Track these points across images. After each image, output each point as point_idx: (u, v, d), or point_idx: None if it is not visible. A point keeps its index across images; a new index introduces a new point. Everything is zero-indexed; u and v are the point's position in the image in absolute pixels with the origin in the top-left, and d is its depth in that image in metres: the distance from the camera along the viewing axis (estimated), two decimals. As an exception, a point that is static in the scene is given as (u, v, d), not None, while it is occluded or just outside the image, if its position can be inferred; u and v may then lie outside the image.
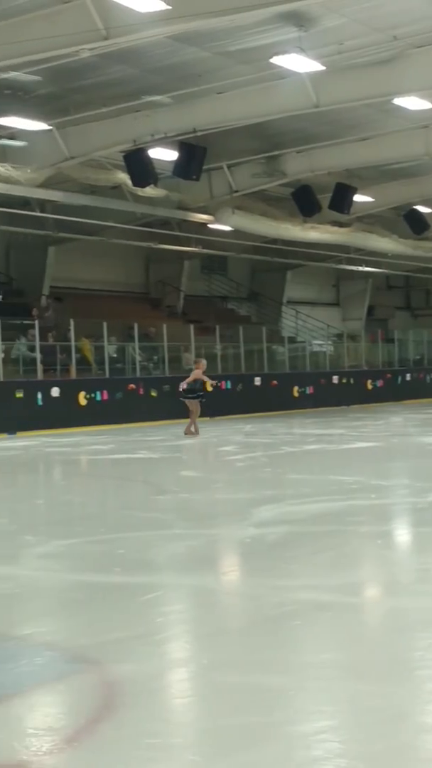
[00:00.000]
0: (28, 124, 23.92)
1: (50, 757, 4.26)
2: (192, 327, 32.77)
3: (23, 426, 25.17)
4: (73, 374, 28.53)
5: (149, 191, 27.85)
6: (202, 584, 7.58)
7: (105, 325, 29.44)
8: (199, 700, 5.13)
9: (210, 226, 33.12)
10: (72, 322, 28.42)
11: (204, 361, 24.60)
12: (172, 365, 31.62)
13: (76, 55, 18.34)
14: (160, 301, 38.67)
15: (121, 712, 4.80)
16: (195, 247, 35.89)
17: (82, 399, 27.50)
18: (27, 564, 8.59)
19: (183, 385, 23.43)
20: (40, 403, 26.31)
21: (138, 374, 30.30)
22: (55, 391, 26.77)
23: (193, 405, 23.49)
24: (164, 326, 31.63)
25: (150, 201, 29.75)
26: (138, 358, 30.64)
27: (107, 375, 29.35)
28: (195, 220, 32.59)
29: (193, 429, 23.31)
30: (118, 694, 5.06)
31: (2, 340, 26.57)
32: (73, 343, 28.50)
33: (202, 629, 6.40)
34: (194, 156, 25.28)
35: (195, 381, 23.45)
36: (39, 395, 26.36)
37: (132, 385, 29.34)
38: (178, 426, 24.36)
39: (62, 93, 22.65)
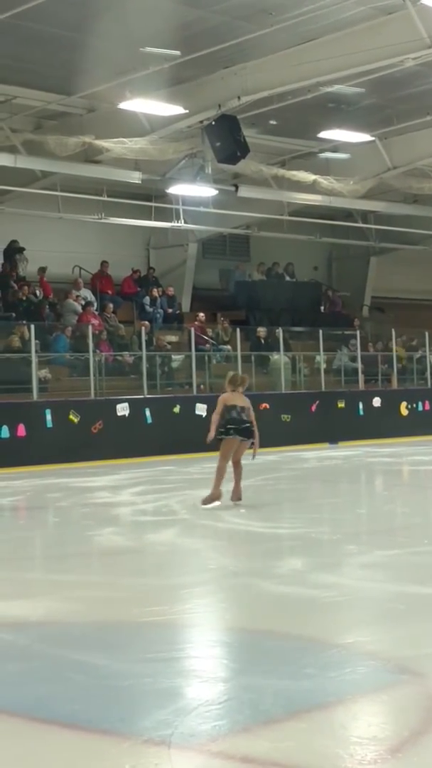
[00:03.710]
0: (352, 136, 24.11)
1: (375, 767, 4.26)
2: None
3: (345, 436, 25.31)
4: (395, 384, 28.45)
5: (473, 198, 27.39)
6: None
7: (427, 334, 29.18)
8: None
9: None
10: (393, 332, 28.36)
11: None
12: None
13: (400, 64, 18.34)
14: None
15: (447, 727, 4.74)
16: None
17: (404, 409, 27.36)
18: (350, 573, 8.63)
19: (239, 414, 12.92)
20: (361, 413, 26.40)
21: (461, 384, 29.82)
22: (376, 401, 26.79)
23: (241, 447, 13.03)
24: None
25: (474, 208, 29.25)
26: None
27: (429, 385, 29.06)
28: None
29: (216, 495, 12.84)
30: (442, 708, 5.00)
31: (324, 351, 26.87)
32: (394, 353, 28.44)
33: None
34: None
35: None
36: (360, 405, 26.45)
37: (454, 396, 28.89)
38: None
39: (385, 103, 22.67)
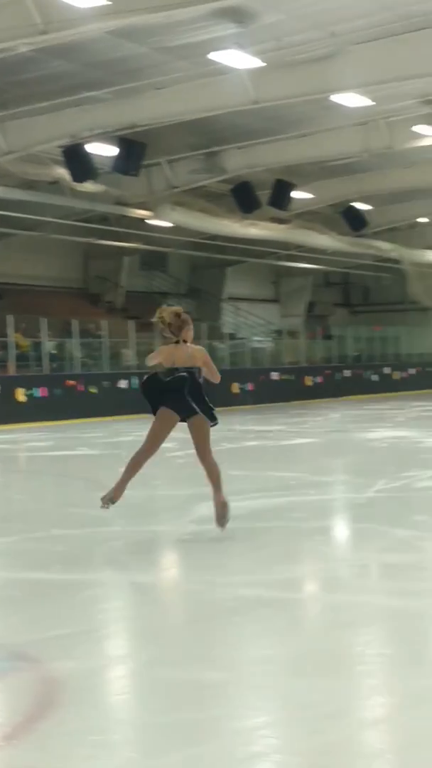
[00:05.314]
0: (-34, 119, 23.71)
1: (-11, 757, 4.23)
2: (132, 323, 32.70)
3: (-39, 423, 24.95)
4: (12, 371, 28.33)
5: (88, 187, 27.74)
6: (143, 581, 7.57)
7: (45, 321, 29.27)
8: (138, 696, 5.12)
9: (149, 222, 33.06)
10: (10, 318, 28.23)
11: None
12: (113, 361, 31.54)
13: (14, 49, 18.20)
14: (99, 297, 38.52)
15: (61, 710, 4.78)
16: (134, 243, 35.79)
17: (21, 395, 27.30)
18: (-35, 562, 8.52)
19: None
20: (-22, 399, 26.10)
21: (78, 370, 30.16)
22: (-7, 388, 26.58)
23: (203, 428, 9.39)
24: (104, 323, 31.52)
25: (89, 196, 29.61)
26: (77, 354, 30.50)
27: (46, 371, 29.18)
28: (134, 215, 32.50)
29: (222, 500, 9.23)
30: (57, 691, 5.03)
31: None
32: (11, 339, 28.30)
33: (143, 626, 6.39)
34: (133, 151, 25.21)
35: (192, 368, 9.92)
36: (-24, 392, 26.14)
37: (71, 382, 29.20)
38: (118, 423, 24.14)
39: (1, 87, 22.44)
